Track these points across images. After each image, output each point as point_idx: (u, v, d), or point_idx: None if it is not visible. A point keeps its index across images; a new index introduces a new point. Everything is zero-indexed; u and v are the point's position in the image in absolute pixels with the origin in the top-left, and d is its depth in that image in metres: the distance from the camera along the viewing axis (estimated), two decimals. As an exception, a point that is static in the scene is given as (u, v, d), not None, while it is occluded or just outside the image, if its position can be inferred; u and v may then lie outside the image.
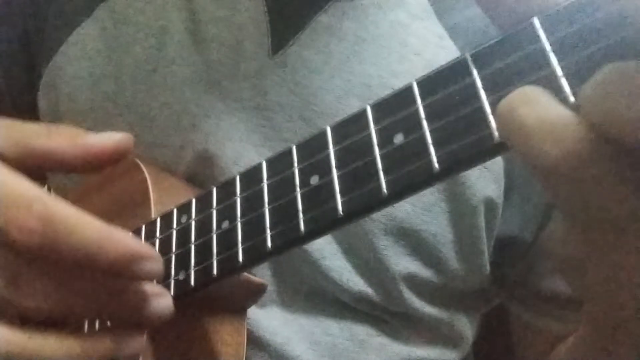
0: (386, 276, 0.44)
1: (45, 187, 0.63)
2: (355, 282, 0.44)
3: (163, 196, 0.42)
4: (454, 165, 0.25)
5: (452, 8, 0.47)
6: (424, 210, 0.43)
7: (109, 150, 0.30)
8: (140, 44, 0.49)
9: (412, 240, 0.44)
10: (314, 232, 0.29)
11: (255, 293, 0.42)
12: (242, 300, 0.42)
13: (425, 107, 0.26)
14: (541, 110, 0.21)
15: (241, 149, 0.45)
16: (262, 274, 0.45)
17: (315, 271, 0.44)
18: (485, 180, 0.43)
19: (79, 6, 0.51)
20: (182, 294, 0.35)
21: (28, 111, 0.54)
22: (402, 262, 0.44)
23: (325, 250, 0.44)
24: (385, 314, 0.46)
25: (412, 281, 0.45)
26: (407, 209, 0.43)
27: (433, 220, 0.44)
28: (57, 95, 0.51)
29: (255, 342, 0.44)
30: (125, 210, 0.44)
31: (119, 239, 0.27)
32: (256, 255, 0.31)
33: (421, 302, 0.46)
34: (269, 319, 0.45)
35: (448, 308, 0.48)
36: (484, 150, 0.24)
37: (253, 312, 0.43)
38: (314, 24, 0.46)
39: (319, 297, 0.46)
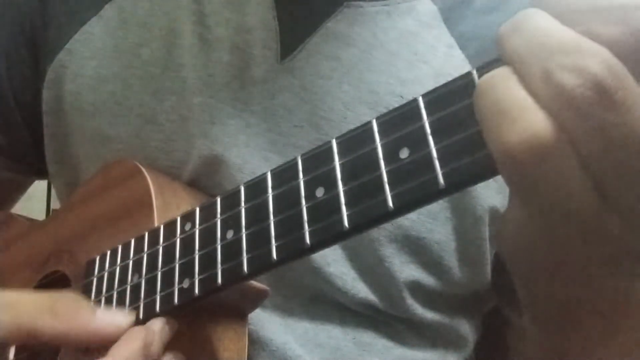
0: (390, 283, 0.44)
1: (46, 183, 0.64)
2: (359, 288, 0.44)
3: (166, 202, 0.42)
4: (460, 181, 0.25)
5: (461, 17, 0.47)
6: (428, 218, 0.44)
7: (118, 334, 0.34)
8: (149, 46, 0.48)
9: (416, 248, 0.44)
10: (319, 244, 0.29)
11: (257, 299, 0.42)
12: (243, 306, 0.42)
13: (431, 123, 0.26)
14: (499, 95, 0.21)
15: (247, 154, 0.45)
16: (263, 278, 0.45)
17: (318, 277, 0.44)
18: (490, 190, 0.44)
19: (86, 3, 0.51)
20: (186, 302, 0.35)
21: (30, 107, 0.54)
22: (407, 270, 0.44)
23: (330, 257, 0.44)
24: (388, 318, 0.46)
25: (416, 288, 0.45)
26: (412, 217, 0.43)
27: (437, 229, 0.44)
28: (61, 93, 0.50)
29: (257, 342, 0.44)
30: (127, 215, 0.44)
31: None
32: (261, 265, 0.31)
33: (423, 308, 0.46)
34: (271, 322, 0.45)
35: (450, 313, 0.48)
36: (490, 168, 0.24)
37: (255, 313, 0.43)
38: (323, 30, 0.46)
39: (321, 302, 0.46)
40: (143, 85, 0.48)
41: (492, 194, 0.44)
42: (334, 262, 0.44)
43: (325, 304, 0.46)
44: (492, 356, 0.58)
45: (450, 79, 0.44)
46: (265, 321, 0.44)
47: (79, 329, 0.32)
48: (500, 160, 0.21)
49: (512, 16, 0.46)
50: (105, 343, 0.33)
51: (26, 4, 0.54)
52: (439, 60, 0.46)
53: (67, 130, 0.51)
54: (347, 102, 0.44)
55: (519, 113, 0.20)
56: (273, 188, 0.32)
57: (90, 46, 0.50)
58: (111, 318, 0.34)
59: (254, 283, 0.41)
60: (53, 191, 0.58)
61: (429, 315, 0.47)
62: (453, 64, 0.46)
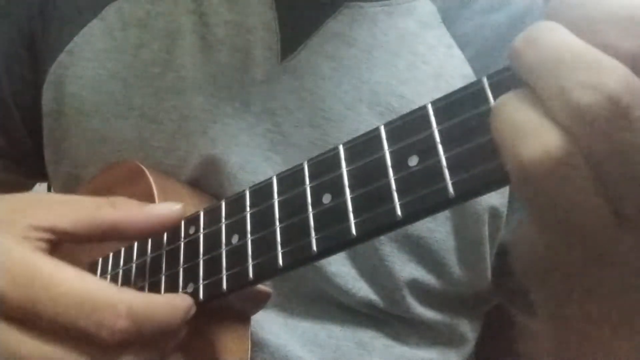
0: (390, 282, 0.44)
1: (46, 185, 0.63)
2: (360, 287, 0.44)
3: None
4: (470, 191, 0.25)
5: (461, 18, 0.47)
6: (429, 217, 0.44)
7: (172, 218, 0.35)
8: (149, 47, 0.48)
9: (416, 246, 0.44)
10: (326, 252, 0.29)
11: (259, 301, 0.42)
12: (246, 308, 0.42)
13: (440, 132, 0.26)
14: (513, 114, 0.21)
15: (248, 154, 0.45)
16: None
17: (319, 276, 0.44)
18: None
19: (86, 5, 0.51)
20: None
21: (30, 109, 0.54)
22: (407, 268, 0.44)
23: (331, 256, 0.44)
24: (388, 318, 0.46)
25: (416, 287, 0.45)
26: None
27: (438, 228, 0.44)
28: (62, 94, 0.50)
29: (257, 343, 0.44)
30: None
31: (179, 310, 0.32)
32: (267, 271, 0.31)
33: (423, 307, 0.46)
34: (271, 322, 0.45)
35: (450, 312, 0.48)
36: (500, 178, 0.24)
37: (256, 316, 0.43)
38: (324, 30, 0.46)
39: (322, 302, 0.46)
40: (144, 85, 0.48)
41: (491, 193, 0.44)
42: (334, 261, 0.44)
43: (325, 304, 0.46)
44: (492, 355, 0.58)
45: (450, 79, 0.45)
46: (266, 321, 0.44)
47: (136, 214, 0.34)
48: (514, 177, 0.21)
49: (512, 17, 0.47)
50: (161, 228, 0.35)
51: (25, 6, 0.53)
52: (438, 60, 0.46)
53: (66, 131, 0.51)
54: (348, 102, 0.44)
55: (533, 130, 0.20)
56: (279, 193, 0.32)
57: (91, 48, 0.50)
58: (162, 204, 0.36)
59: (257, 286, 0.41)
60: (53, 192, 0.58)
61: (429, 314, 0.47)
62: (453, 64, 0.46)
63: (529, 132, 0.20)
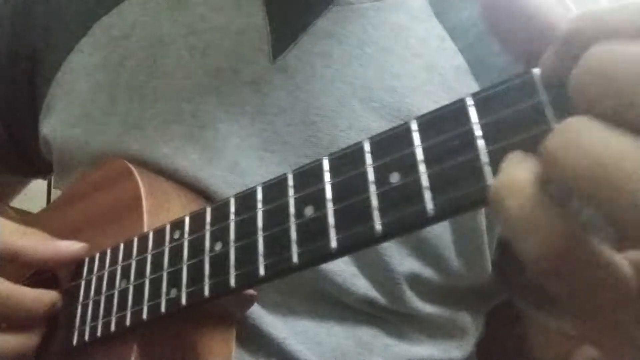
0: (389, 277, 0.44)
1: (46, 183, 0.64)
2: (359, 284, 0.44)
3: (156, 204, 0.42)
4: (449, 211, 0.25)
5: (453, 9, 0.47)
6: None
7: (70, 254, 0.41)
8: (134, 57, 0.49)
9: (414, 240, 0.44)
10: (306, 264, 0.29)
11: (245, 303, 0.42)
12: (231, 311, 0.42)
13: (423, 149, 0.26)
14: (522, 203, 0.20)
15: (240, 156, 0.45)
16: None
17: (318, 274, 0.44)
18: None
19: (75, 25, 0.52)
20: (173, 311, 0.35)
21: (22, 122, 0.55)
22: (405, 262, 0.44)
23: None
24: (388, 315, 0.46)
25: (415, 281, 0.45)
26: None
27: None
28: (54, 110, 0.51)
29: (256, 339, 0.44)
30: (117, 217, 0.43)
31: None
32: (248, 281, 0.31)
33: (422, 302, 0.46)
34: (271, 319, 0.45)
35: (450, 305, 0.48)
36: (479, 200, 0.24)
37: (255, 312, 0.43)
38: (314, 28, 0.46)
39: (321, 300, 0.46)
40: (128, 93, 0.48)
41: None
42: None
43: (324, 302, 0.46)
44: (494, 352, 0.58)
45: (442, 71, 0.45)
46: (265, 318, 0.44)
47: (38, 246, 0.41)
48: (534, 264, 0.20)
49: None
50: (58, 261, 0.42)
51: (9, 26, 0.55)
52: (431, 53, 0.46)
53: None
54: (341, 98, 0.44)
55: (542, 226, 0.19)
56: (263, 203, 0.32)
57: (82, 65, 0.51)
58: (66, 242, 0.42)
59: None
60: (53, 191, 0.59)
61: (428, 308, 0.47)
62: (445, 56, 0.46)
63: (540, 228, 0.19)
